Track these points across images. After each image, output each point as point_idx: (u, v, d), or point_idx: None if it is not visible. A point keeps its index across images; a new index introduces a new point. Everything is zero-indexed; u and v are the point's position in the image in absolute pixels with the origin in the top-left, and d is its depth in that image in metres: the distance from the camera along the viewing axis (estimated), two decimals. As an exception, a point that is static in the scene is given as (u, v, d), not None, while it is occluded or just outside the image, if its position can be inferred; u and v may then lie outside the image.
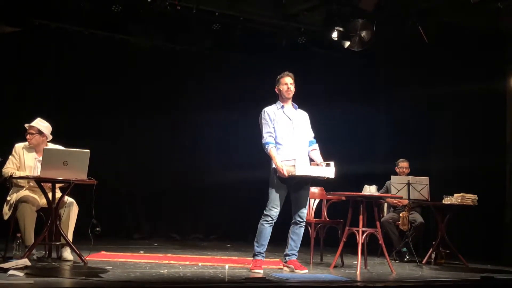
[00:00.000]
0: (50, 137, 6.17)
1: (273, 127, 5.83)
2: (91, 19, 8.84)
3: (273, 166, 5.78)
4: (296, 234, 5.93)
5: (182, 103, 10.02)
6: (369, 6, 8.36)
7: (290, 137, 5.85)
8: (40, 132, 6.06)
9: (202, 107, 9.98)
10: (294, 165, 5.57)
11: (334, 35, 8.96)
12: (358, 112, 9.68)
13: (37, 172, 5.90)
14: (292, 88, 5.94)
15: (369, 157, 9.40)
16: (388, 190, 7.94)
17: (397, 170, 8.15)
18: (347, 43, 9.04)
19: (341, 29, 8.94)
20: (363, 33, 9.15)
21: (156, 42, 9.47)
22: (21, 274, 4.68)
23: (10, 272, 4.66)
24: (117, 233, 9.22)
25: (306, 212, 6.03)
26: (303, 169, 5.63)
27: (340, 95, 9.90)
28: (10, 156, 5.98)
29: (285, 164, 5.65)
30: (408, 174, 8.03)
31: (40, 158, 6.02)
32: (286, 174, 5.62)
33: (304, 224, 5.95)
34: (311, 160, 5.94)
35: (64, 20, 8.91)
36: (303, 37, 9.72)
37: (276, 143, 5.82)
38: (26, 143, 6.03)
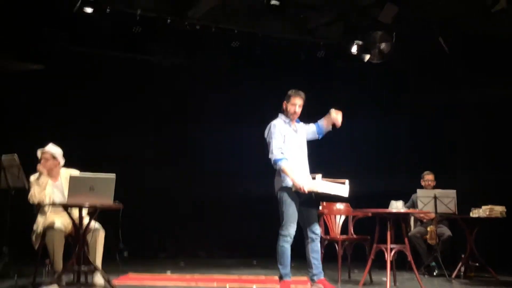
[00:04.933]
0: (63, 162, 6.20)
1: (283, 142, 5.69)
2: (112, 41, 8.94)
3: (284, 184, 5.64)
4: (315, 252, 5.76)
5: (204, 120, 10.07)
6: (387, 19, 8.34)
7: (297, 152, 5.76)
8: (53, 157, 6.10)
9: (225, 123, 10.01)
10: (315, 182, 5.48)
11: (354, 49, 8.96)
12: (380, 125, 9.61)
13: (55, 197, 5.98)
14: (299, 111, 5.82)
15: (393, 171, 9.31)
16: (414, 204, 7.86)
17: (423, 183, 8.07)
18: (367, 57, 9.03)
19: (360, 42, 8.92)
20: (382, 45, 9.14)
21: (176, 61, 9.52)
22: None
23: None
24: (143, 252, 9.24)
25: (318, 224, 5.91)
26: (323, 186, 5.52)
27: (361, 108, 9.84)
28: (32, 185, 5.98)
29: (306, 180, 5.53)
30: (434, 187, 7.96)
31: (56, 183, 6.09)
32: (306, 190, 5.51)
33: (319, 238, 5.78)
34: (332, 125, 5.84)
35: (85, 44, 9.00)
36: (322, 51, 9.69)
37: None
38: (36, 174, 6.02)
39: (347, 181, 5.66)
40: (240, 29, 9.16)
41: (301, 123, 5.99)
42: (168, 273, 7.27)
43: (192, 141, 9.95)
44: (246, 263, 9.03)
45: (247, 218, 10.01)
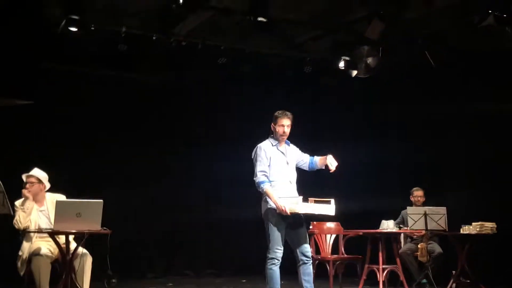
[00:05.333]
0: (48, 186, 6.10)
1: (269, 165, 5.68)
2: (97, 60, 8.84)
3: (269, 206, 5.61)
4: (307, 274, 5.70)
5: (192, 138, 10.01)
6: (374, 35, 8.32)
7: (285, 173, 5.73)
8: (39, 181, 6.01)
9: (212, 141, 9.96)
10: (297, 202, 5.45)
11: (341, 64, 8.93)
12: (368, 143, 9.57)
13: (41, 222, 5.92)
14: (288, 131, 5.79)
15: (382, 189, 9.27)
16: (404, 220, 7.82)
17: (412, 199, 8.04)
18: (354, 72, 9.00)
19: (347, 58, 8.91)
20: (369, 60, 9.10)
21: (163, 78, 9.45)
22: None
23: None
24: (131, 273, 9.09)
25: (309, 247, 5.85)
26: (306, 207, 5.49)
27: (349, 125, 9.83)
28: (17, 210, 5.87)
29: (286, 202, 5.48)
30: (423, 203, 7.94)
31: (42, 208, 6.03)
32: (288, 212, 5.46)
33: (311, 261, 5.73)
34: (326, 167, 5.80)
35: (69, 63, 8.89)
36: (309, 66, 9.65)
37: (271, 180, 5.66)
38: (21, 199, 5.91)
39: (332, 201, 5.61)
40: (227, 46, 9.10)
41: (293, 146, 5.96)
42: (157, 295, 7.16)
43: (180, 159, 9.86)
44: (235, 281, 8.95)
45: (235, 236, 9.92)
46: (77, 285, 5.65)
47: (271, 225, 5.60)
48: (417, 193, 8.03)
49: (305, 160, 5.94)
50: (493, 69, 8.35)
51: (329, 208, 5.58)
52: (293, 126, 5.84)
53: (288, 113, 5.81)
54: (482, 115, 8.34)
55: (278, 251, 5.58)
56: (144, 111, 9.63)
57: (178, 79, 9.58)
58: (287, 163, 5.78)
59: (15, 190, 5.95)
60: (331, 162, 5.70)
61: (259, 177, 5.62)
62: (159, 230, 9.62)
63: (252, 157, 5.78)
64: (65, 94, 8.99)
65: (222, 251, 10.05)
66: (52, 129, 8.84)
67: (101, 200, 5.47)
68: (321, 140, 8.97)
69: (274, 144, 5.80)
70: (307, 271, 5.72)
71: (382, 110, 9.60)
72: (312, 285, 5.76)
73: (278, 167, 5.71)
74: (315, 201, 5.63)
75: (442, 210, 7.27)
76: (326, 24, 8.84)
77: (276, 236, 5.58)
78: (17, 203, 5.92)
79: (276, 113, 5.83)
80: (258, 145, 5.78)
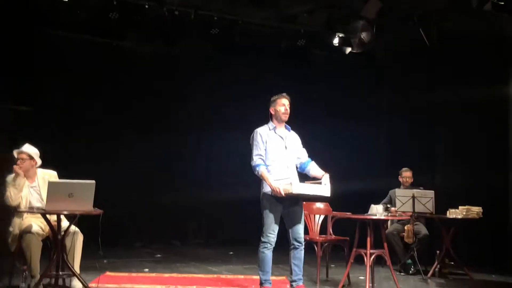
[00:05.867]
0: (40, 162, 6.06)
1: (265, 149, 5.70)
2: (88, 27, 8.69)
3: (264, 190, 5.66)
4: (298, 259, 5.81)
5: (182, 111, 9.97)
6: (371, 14, 8.26)
7: (282, 157, 5.74)
8: (30, 157, 5.96)
9: (200, 114, 9.92)
10: (291, 183, 5.46)
11: (335, 41, 8.87)
12: (358, 124, 9.59)
13: (32, 199, 5.90)
14: (288, 109, 5.81)
15: (371, 170, 9.34)
16: (391, 200, 7.90)
17: (401, 180, 8.10)
18: (348, 49, 8.96)
19: (342, 35, 8.84)
20: (363, 35, 9.05)
21: (154, 47, 9.32)
22: (31, 318, 4.61)
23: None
24: (119, 241, 9.15)
25: (303, 233, 5.91)
26: (300, 188, 5.51)
27: (340, 99, 9.79)
28: (8, 186, 5.83)
29: (280, 183, 5.52)
30: (412, 184, 8.01)
31: (33, 185, 5.97)
32: (283, 193, 5.49)
33: (303, 247, 5.82)
34: (313, 178, 5.80)
35: (60, 28, 8.74)
36: (302, 39, 9.56)
37: (267, 164, 5.69)
38: (13, 175, 5.86)
39: (327, 176, 5.62)
40: (220, 16, 8.97)
41: (294, 133, 5.96)
42: (146, 271, 7.21)
43: (170, 130, 9.82)
44: (222, 254, 9.05)
45: (224, 208, 9.98)
46: (68, 263, 5.66)
47: (266, 209, 5.65)
48: (406, 174, 8.08)
49: (301, 157, 5.93)
50: (486, 53, 8.33)
51: (324, 189, 5.60)
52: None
53: (285, 94, 5.84)
54: (472, 99, 8.35)
55: (271, 235, 5.63)
56: (133, 81, 9.53)
57: (169, 49, 9.44)
58: (285, 147, 5.78)
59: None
60: (325, 183, 5.65)
61: (255, 160, 5.67)
62: (146, 200, 9.64)
63: (250, 142, 5.79)
64: (54, 61, 8.85)
65: (209, 222, 10.12)
66: (39, 97, 8.75)
67: (93, 181, 5.43)
68: (311, 119, 8.90)
69: (271, 128, 5.81)
70: (298, 256, 5.79)
71: (374, 91, 9.57)
72: (301, 269, 5.85)
73: (275, 151, 5.73)
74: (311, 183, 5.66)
75: (430, 193, 7.35)
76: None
77: (270, 221, 5.63)
78: (8, 178, 5.87)
79: (273, 97, 5.85)
80: (255, 130, 5.80)
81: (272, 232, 5.65)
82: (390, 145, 9.43)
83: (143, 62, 9.51)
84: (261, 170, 5.62)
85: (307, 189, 5.59)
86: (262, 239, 5.67)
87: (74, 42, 8.95)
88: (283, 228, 5.77)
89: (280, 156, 5.74)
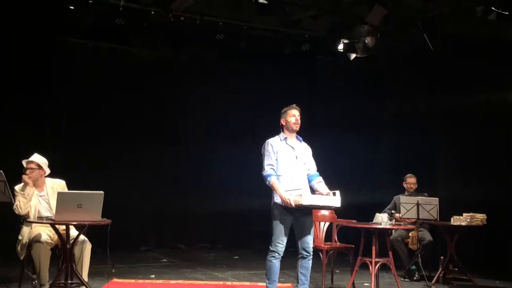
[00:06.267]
0: (48, 171, 6.12)
1: (276, 159, 5.75)
2: (95, 32, 8.75)
3: (275, 200, 5.70)
4: (305, 268, 5.85)
5: (188, 116, 10.03)
6: (376, 21, 8.28)
7: (293, 168, 5.77)
8: (39, 167, 6.02)
9: (205, 120, 10.00)
10: (301, 194, 5.50)
11: (340, 46, 8.90)
12: (361, 132, 9.64)
13: (40, 208, 5.96)
14: (299, 120, 5.87)
15: (376, 178, 9.40)
16: (396, 206, 7.95)
17: (405, 186, 8.14)
18: (353, 55, 8.98)
19: (346, 41, 8.87)
20: (368, 39, 9.07)
21: (160, 53, 9.37)
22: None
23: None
24: (124, 246, 9.21)
25: (312, 243, 5.98)
26: (310, 199, 5.55)
27: (343, 102, 9.83)
28: (17, 195, 5.90)
29: (291, 194, 5.57)
30: (416, 190, 8.06)
31: (41, 194, 6.04)
32: (293, 204, 5.54)
33: (311, 257, 5.87)
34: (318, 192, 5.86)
35: (66, 34, 8.81)
36: (307, 44, 9.61)
37: (279, 174, 5.73)
38: (21, 184, 5.92)
39: (338, 192, 5.68)
40: (225, 22, 9.02)
41: (305, 144, 6.00)
42: (153, 277, 7.28)
43: (174, 133, 9.90)
44: (227, 258, 9.12)
45: (229, 212, 10.03)
46: (77, 272, 5.73)
47: (276, 219, 5.69)
48: (410, 180, 8.11)
49: (310, 169, 5.95)
50: (490, 59, 8.36)
51: (334, 200, 5.64)
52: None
53: (295, 105, 5.90)
54: (477, 106, 8.39)
55: (279, 245, 5.67)
56: (139, 88, 9.60)
57: (175, 55, 9.48)
58: (296, 157, 5.82)
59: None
60: (336, 194, 5.65)
61: (267, 170, 5.71)
62: (152, 206, 9.72)
63: (261, 152, 5.85)
64: (59, 67, 8.91)
65: (213, 226, 10.19)
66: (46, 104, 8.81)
67: (102, 192, 5.49)
68: (315, 127, 8.93)
69: (282, 138, 5.86)
70: (305, 265, 5.84)
71: (377, 97, 9.60)
72: (308, 279, 5.89)
73: (286, 162, 5.76)
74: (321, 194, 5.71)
75: (435, 200, 7.41)
76: (325, 5, 8.80)
77: (278, 230, 5.67)
78: (17, 188, 5.93)
79: (283, 109, 5.91)
80: (267, 141, 5.85)
81: (280, 242, 5.69)
82: (393, 152, 9.46)
83: (148, 68, 9.55)
84: (272, 180, 5.66)
85: (318, 200, 5.63)
86: (271, 248, 5.70)
87: (80, 48, 8.99)
88: (292, 235, 5.83)
89: (291, 166, 5.77)
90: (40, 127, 8.60)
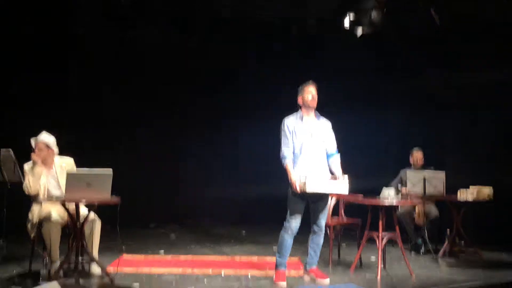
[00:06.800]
0: (57, 150, 6.16)
1: (292, 139, 5.82)
2: (101, 16, 8.72)
3: None
4: (316, 244, 6.00)
5: (194, 98, 10.05)
6: (382, -3, 8.24)
7: (308, 147, 5.83)
8: (47, 146, 6.07)
9: (211, 101, 10.03)
10: (305, 182, 5.57)
11: (346, 23, 8.85)
12: (369, 107, 9.61)
13: (50, 187, 6.03)
14: (316, 96, 5.90)
15: (382, 150, 9.40)
16: (402, 180, 7.98)
17: (411, 160, 8.16)
18: (359, 31, 8.94)
19: (353, 18, 8.82)
20: (373, 14, 9.02)
21: (165, 36, 9.33)
22: (54, 306, 4.76)
23: (44, 305, 4.73)
24: (133, 223, 9.25)
25: (325, 221, 6.06)
26: (314, 186, 5.58)
27: (352, 81, 9.80)
28: (26, 174, 5.95)
29: (298, 180, 5.64)
30: (423, 165, 8.07)
31: (51, 172, 6.09)
32: (299, 190, 5.64)
33: (323, 233, 6.00)
34: (331, 172, 5.94)
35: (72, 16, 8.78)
36: (314, 25, 9.52)
37: (295, 153, 5.82)
38: (30, 163, 5.98)
39: (346, 176, 5.73)
40: (231, 2, 8.95)
41: (323, 121, 6.02)
42: (162, 252, 7.37)
43: (182, 110, 9.93)
44: (235, 234, 9.20)
45: (237, 187, 10.08)
46: (87, 250, 5.81)
47: (291, 196, 5.80)
48: (417, 154, 8.12)
49: (327, 148, 5.98)
50: (496, 38, 8.29)
51: (341, 187, 5.68)
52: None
53: (311, 82, 5.95)
54: (484, 83, 8.35)
55: (292, 221, 5.78)
56: (143, 68, 9.60)
57: (181, 38, 9.43)
58: (311, 135, 5.86)
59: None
60: (344, 180, 5.70)
61: (283, 151, 5.80)
62: (160, 183, 9.79)
63: (280, 132, 5.91)
64: (66, 49, 8.92)
65: (223, 203, 10.24)
66: (52, 87, 8.83)
67: (111, 170, 5.53)
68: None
69: (299, 117, 5.91)
70: (316, 241, 5.98)
71: (384, 74, 9.55)
72: (318, 255, 6.01)
73: (302, 141, 5.82)
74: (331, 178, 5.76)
75: (441, 175, 7.40)
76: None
77: (293, 207, 5.79)
78: (26, 166, 5.98)
79: (300, 86, 5.95)
80: (283, 120, 5.90)
81: (293, 218, 5.79)
82: (400, 129, 9.46)
83: (156, 50, 9.51)
84: (286, 162, 5.76)
85: (323, 187, 5.65)
86: (285, 223, 5.84)
87: (87, 29, 8.95)
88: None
89: (306, 146, 5.83)
90: (48, 105, 8.61)
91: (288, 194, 5.84)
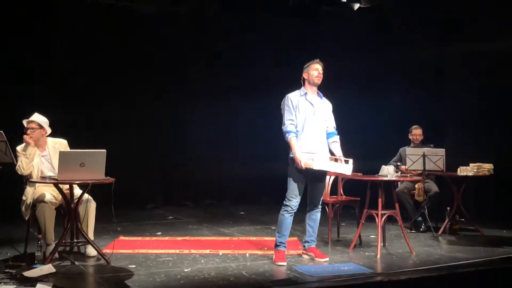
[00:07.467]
0: (49, 131, 6.07)
1: (295, 115, 5.74)
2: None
3: (291, 155, 5.72)
4: (313, 220, 5.95)
5: (191, 72, 9.92)
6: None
7: (311, 125, 5.77)
8: (40, 126, 5.97)
9: (212, 72, 9.87)
10: (313, 159, 5.53)
11: (344, -2, 8.73)
12: (367, 80, 9.49)
13: (43, 168, 5.95)
14: (321, 75, 5.82)
15: (381, 128, 9.30)
16: (402, 158, 7.91)
17: (411, 137, 8.08)
18: (356, 5, 8.81)
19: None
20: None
21: (159, 7, 9.18)
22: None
23: (38, 287, 4.65)
24: (130, 204, 9.21)
25: (322, 198, 6.01)
26: (321, 164, 5.58)
27: (351, 53, 9.66)
28: (19, 156, 5.84)
29: (303, 156, 5.58)
30: (422, 141, 7.99)
31: (44, 154, 6.01)
32: (303, 166, 5.57)
33: (320, 209, 5.96)
34: (331, 153, 5.86)
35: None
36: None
37: (297, 130, 5.74)
38: (23, 145, 5.88)
39: (351, 161, 5.70)
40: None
41: (326, 102, 5.98)
42: (159, 234, 7.29)
43: (179, 89, 9.80)
44: (233, 214, 9.12)
45: (236, 168, 9.99)
46: (82, 231, 5.73)
47: (291, 174, 5.75)
48: (416, 131, 8.05)
49: (328, 127, 5.94)
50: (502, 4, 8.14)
51: (346, 168, 5.68)
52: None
53: (318, 60, 5.87)
54: (484, 55, 8.22)
55: (293, 200, 5.73)
56: (141, 44, 9.47)
57: (176, 9, 9.28)
58: (314, 114, 5.79)
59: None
60: (349, 162, 5.68)
61: (287, 126, 5.71)
62: (158, 163, 9.71)
63: (281, 107, 5.83)
64: (55, 24, 8.75)
65: (220, 183, 10.17)
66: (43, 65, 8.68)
67: (104, 150, 5.44)
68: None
69: (302, 94, 5.83)
70: (313, 217, 5.94)
71: (382, 49, 9.42)
72: (316, 231, 5.96)
73: (304, 118, 5.75)
74: (335, 160, 5.75)
75: (441, 151, 7.33)
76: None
77: (293, 185, 5.73)
78: (19, 148, 5.88)
79: (306, 64, 5.88)
80: (286, 95, 5.83)
81: (294, 197, 5.73)
82: (399, 104, 9.34)
83: (149, 24, 9.37)
84: (290, 137, 5.68)
85: (329, 166, 5.67)
86: (284, 202, 5.78)
87: (76, 3, 8.79)
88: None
89: (308, 123, 5.76)
90: (40, 86, 8.49)
91: (288, 172, 5.77)
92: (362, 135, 9.07)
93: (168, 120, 9.78)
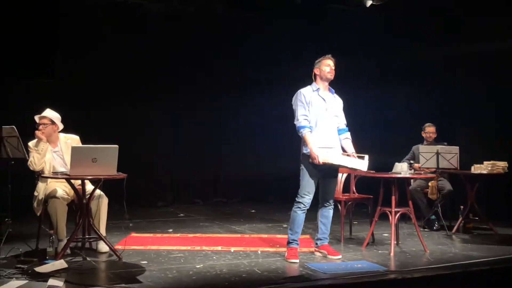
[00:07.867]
0: (61, 127, 6.05)
1: (308, 110, 5.69)
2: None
3: (304, 151, 5.67)
4: (326, 217, 5.90)
5: (199, 71, 9.92)
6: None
7: (323, 121, 5.73)
8: (52, 122, 5.95)
9: (221, 70, 9.82)
10: (332, 154, 5.53)
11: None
12: (379, 79, 9.44)
13: (55, 163, 5.94)
14: (333, 71, 5.78)
15: (394, 126, 9.24)
16: (415, 156, 7.85)
17: (424, 135, 8.02)
18: (369, 2, 8.76)
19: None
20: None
21: (168, 6, 9.16)
22: (60, 283, 4.65)
23: (50, 283, 4.63)
24: (142, 202, 9.20)
25: (334, 196, 5.97)
26: (339, 159, 5.58)
27: (358, 49, 9.60)
28: (31, 151, 5.83)
29: (320, 151, 5.54)
30: (435, 139, 7.92)
31: (56, 149, 6.00)
32: (320, 161, 5.52)
33: (333, 206, 5.92)
34: (343, 149, 5.82)
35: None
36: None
37: (310, 126, 5.70)
38: (35, 140, 5.86)
39: (366, 156, 5.66)
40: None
41: (338, 98, 5.94)
42: (170, 231, 7.27)
43: (189, 88, 9.77)
44: (244, 211, 9.09)
45: (244, 166, 9.96)
46: (94, 227, 5.71)
47: (303, 170, 5.70)
48: (429, 129, 7.98)
49: (339, 123, 5.91)
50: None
51: (362, 163, 5.64)
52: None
53: (329, 56, 5.84)
54: (498, 53, 8.14)
55: (306, 196, 5.68)
56: (152, 43, 9.45)
57: (183, 8, 9.26)
58: (326, 109, 5.75)
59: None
60: (365, 159, 5.63)
61: (301, 121, 5.65)
62: (168, 162, 9.67)
63: (292, 102, 5.78)
64: (67, 25, 8.74)
65: (230, 181, 10.14)
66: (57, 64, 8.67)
67: (116, 146, 5.42)
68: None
69: (315, 89, 5.79)
70: (325, 214, 5.89)
71: (393, 47, 9.36)
72: (328, 229, 5.91)
73: (317, 114, 5.70)
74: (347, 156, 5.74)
75: (455, 149, 7.25)
76: None
77: (306, 182, 5.68)
78: (31, 144, 5.88)
79: (317, 59, 5.84)
80: (299, 91, 5.78)
81: (307, 194, 5.68)
82: (410, 103, 9.28)
83: (159, 22, 9.35)
84: (305, 132, 5.62)
85: (345, 161, 5.66)
86: (297, 199, 5.73)
87: (86, 5, 8.79)
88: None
89: (321, 119, 5.72)
90: (52, 83, 8.47)
91: (301, 169, 5.73)
92: (374, 132, 9.01)
93: (179, 119, 9.74)
